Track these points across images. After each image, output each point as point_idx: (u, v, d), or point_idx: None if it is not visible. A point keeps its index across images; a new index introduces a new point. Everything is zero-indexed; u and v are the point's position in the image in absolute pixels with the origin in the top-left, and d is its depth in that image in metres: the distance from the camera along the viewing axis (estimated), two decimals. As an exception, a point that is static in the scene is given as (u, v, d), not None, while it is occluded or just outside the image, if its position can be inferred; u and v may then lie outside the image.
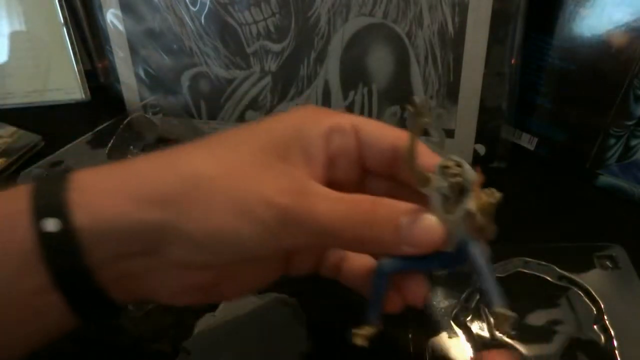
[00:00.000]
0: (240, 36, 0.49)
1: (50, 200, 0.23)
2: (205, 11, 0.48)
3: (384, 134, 0.28)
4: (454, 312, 0.36)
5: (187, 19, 0.49)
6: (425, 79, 0.47)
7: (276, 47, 0.49)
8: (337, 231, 0.24)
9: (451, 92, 0.47)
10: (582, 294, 0.36)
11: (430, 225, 0.24)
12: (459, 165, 0.24)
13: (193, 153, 0.26)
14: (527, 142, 0.51)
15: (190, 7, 0.48)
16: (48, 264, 0.23)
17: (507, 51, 0.45)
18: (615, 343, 0.34)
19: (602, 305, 0.35)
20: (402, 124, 0.49)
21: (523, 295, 0.37)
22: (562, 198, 0.47)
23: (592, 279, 0.37)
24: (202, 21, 0.49)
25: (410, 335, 0.36)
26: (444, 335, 0.35)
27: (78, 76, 0.58)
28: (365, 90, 0.49)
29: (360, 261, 0.30)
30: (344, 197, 0.25)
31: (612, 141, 0.45)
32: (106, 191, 0.24)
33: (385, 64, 0.48)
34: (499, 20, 0.44)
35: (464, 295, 0.37)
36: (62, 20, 0.56)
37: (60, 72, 0.58)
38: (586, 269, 0.38)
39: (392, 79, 0.48)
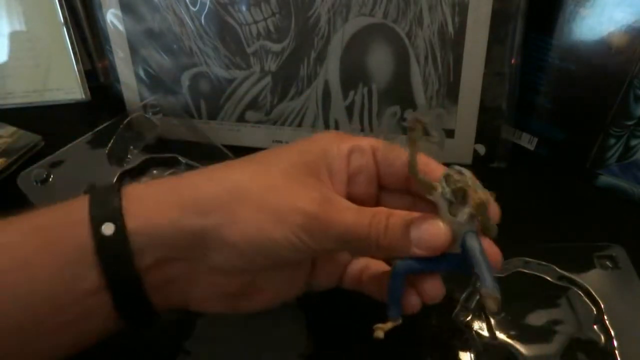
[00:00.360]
0: (240, 36, 0.49)
1: (106, 209, 0.27)
2: (205, 11, 0.48)
3: (399, 154, 0.31)
4: (454, 312, 0.36)
5: (187, 19, 0.49)
6: (425, 79, 0.47)
7: (276, 47, 0.49)
8: (358, 237, 0.27)
9: (451, 92, 0.47)
10: (582, 294, 0.36)
11: (436, 228, 0.27)
12: (460, 173, 0.26)
13: (234, 169, 0.30)
14: (527, 142, 0.51)
15: (190, 7, 0.48)
16: (103, 265, 0.26)
17: (507, 51, 0.45)
18: (615, 343, 0.34)
19: (602, 305, 0.35)
20: (402, 123, 0.49)
21: (523, 295, 0.37)
22: (562, 198, 0.47)
23: (592, 279, 0.37)
24: (202, 21, 0.49)
25: (410, 335, 0.36)
26: (443, 335, 0.35)
27: (78, 76, 0.58)
28: (365, 90, 0.49)
29: (378, 270, 0.33)
30: (364, 209, 0.28)
31: (612, 141, 0.45)
32: (155, 201, 0.28)
33: (385, 64, 0.48)
34: (499, 20, 0.44)
35: (464, 295, 0.37)
36: (62, 20, 0.56)
37: (60, 72, 0.58)
38: (586, 269, 0.38)
39: (392, 79, 0.48)
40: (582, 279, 0.37)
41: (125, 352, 0.36)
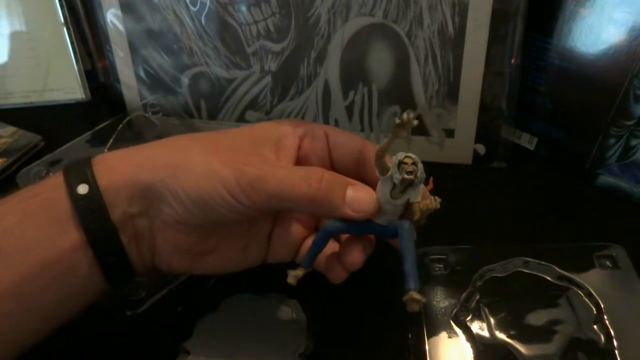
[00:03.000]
0: (240, 36, 0.49)
1: (79, 173, 0.30)
2: (205, 11, 0.48)
3: (350, 140, 0.35)
4: (454, 312, 0.36)
5: (187, 19, 0.49)
6: (425, 79, 0.47)
7: (276, 47, 0.49)
8: (291, 193, 0.30)
9: (451, 92, 0.47)
10: (582, 294, 0.36)
11: (369, 195, 0.30)
12: (414, 163, 0.29)
13: (187, 137, 0.33)
14: (527, 142, 0.51)
15: (190, 7, 0.48)
16: (82, 221, 0.29)
17: (507, 51, 0.45)
18: (615, 343, 0.34)
19: (602, 305, 0.35)
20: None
21: (523, 295, 0.37)
22: (562, 198, 0.47)
23: (592, 279, 0.37)
24: (202, 21, 0.49)
25: (410, 335, 0.36)
26: (443, 335, 0.35)
27: (78, 76, 0.58)
28: (365, 90, 0.49)
29: (332, 249, 0.34)
30: (299, 167, 0.32)
31: (612, 141, 0.45)
32: (118, 162, 0.31)
33: (385, 64, 0.48)
34: (499, 20, 0.44)
35: (464, 295, 0.37)
36: (62, 20, 0.56)
37: (60, 72, 0.58)
38: (586, 269, 0.38)
39: (392, 79, 0.48)
40: (582, 278, 0.37)
41: (125, 352, 0.36)
